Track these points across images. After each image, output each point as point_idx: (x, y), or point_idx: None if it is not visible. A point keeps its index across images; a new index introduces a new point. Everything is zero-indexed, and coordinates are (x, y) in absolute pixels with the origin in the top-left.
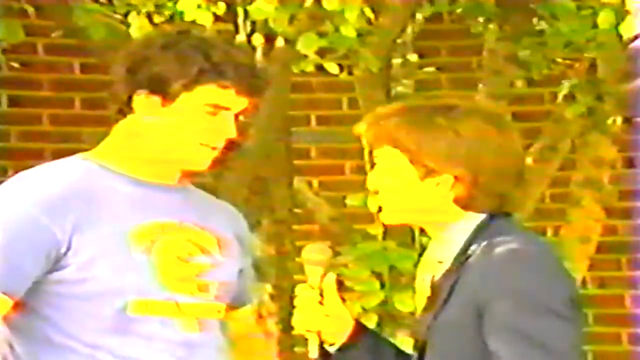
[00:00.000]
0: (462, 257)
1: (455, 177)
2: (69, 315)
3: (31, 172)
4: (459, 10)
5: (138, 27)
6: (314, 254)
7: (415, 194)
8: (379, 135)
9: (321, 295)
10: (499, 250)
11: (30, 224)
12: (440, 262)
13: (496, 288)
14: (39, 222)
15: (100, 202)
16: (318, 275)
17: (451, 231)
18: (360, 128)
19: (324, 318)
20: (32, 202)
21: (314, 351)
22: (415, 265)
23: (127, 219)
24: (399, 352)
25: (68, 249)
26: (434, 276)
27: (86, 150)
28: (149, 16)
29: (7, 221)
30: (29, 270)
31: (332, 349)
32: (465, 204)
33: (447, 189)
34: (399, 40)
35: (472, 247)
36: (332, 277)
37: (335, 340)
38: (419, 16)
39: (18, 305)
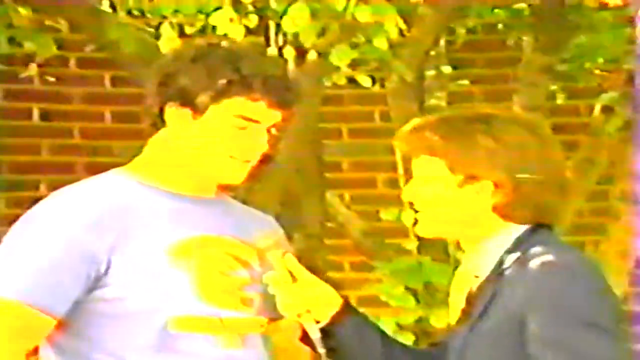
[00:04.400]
0: (500, 268)
1: (495, 184)
2: (111, 334)
3: (68, 190)
4: (495, 22)
5: (168, 39)
6: (262, 241)
7: (454, 203)
8: (417, 145)
9: (293, 277)
10: (542, 262)
11: (70, 243)
12: (477, 277)
13: (539, 300)
14: (79, 240)
15: (138, 219)
16: (278, 258)
17: (489, 243)
18: (397, 138)
19: (306, 295)
20: (72, 222)
21: (314, 331)
22: (451, 280)
23: (165, 234)
24: (385, 336)
25: (108, 267)
26: (470, 289)
27: (116, 163)
28: (181, 28)
29: (47, 240)
30: (70, 290)
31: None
32: (504, 213)
33: (486, 196)
34: (432, 52)
35: (511, 259)
36: (290, 255)
37: (322, 319)
38: (460, 30)
39: (61, 325)
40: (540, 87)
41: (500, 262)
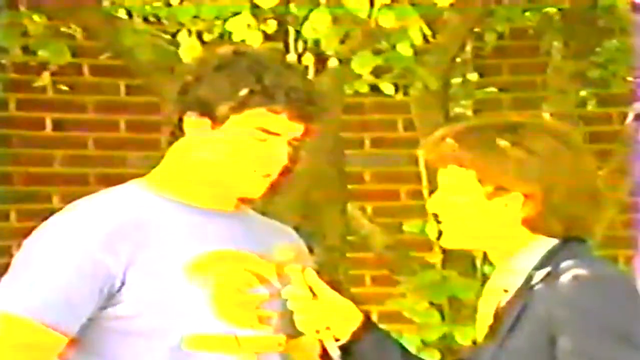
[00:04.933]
0: (530, 283)
1: (525, 196)
2: (124, 352)
3: (83, 203)
4: (525, 26)
5: (188, 47)
6: (281, 254)
7: (482, 214)
8: (444, 154)
9: (312, 292)
10: (573, 275)
11: (84, 258)
12: (506, 291)
13: (570, 315)
14: (93, 256)
15: (154, 233)
16: (297, 272)
17: (518, 256)
18: (423, 148)
19: (326, 311)
20: (86, 236)
21: (334, 349)
22: (478, 295)
23: (182, 249)
24: (407, 354)
25: (122, 284)
26: (498, 304)
27: (132, 175)
28: (199, 35)
29: (60, 256)
30: (83, 307)
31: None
32: (535, 225)
33: (516, 208)
34: (458, 59)
35: (541, 273)
36: (309, 269)
37: (341, 336)
38: (488, 35)
39: (73, 343)
40: (570, 94)
41: (530, 277)
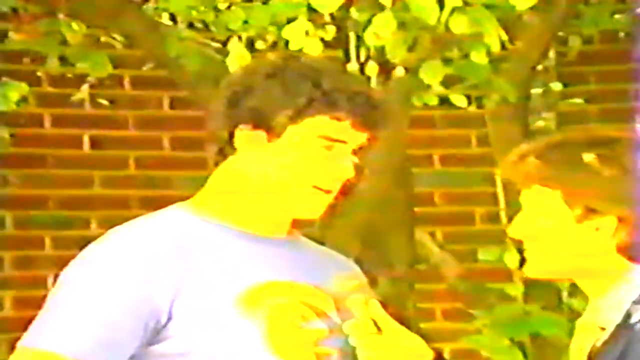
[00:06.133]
0: (630, 320)
1: (620, 219)
2: None
3: (124, 229)
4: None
5: (238, 56)
6: (341, 285)
7: (571, 240)
8: (527, 173)
9: (377, 327)
10: None
11: (126, 292)
12: (603, 329)
13: None
14: (136, 290)
15: (203, 262)
16: (361, 305)
17: (616, 289)
18: (501, 167)
19: (393, 348)
20: (128, 268)
21: None
22: (564, 332)
23: (233, 280)
24: None
25: (169, 318)
26: (594, 344)
27: (177, 197)
28: (250, 43)
29: (101, 290)
30: (127, 345)
31: None
32: (632, 254)
33: (609, 233)
34: (539, 66)
35: None
36: (375, 302)
37: None
38: (573, 40)
39: None
40: None
41: (630, 313)
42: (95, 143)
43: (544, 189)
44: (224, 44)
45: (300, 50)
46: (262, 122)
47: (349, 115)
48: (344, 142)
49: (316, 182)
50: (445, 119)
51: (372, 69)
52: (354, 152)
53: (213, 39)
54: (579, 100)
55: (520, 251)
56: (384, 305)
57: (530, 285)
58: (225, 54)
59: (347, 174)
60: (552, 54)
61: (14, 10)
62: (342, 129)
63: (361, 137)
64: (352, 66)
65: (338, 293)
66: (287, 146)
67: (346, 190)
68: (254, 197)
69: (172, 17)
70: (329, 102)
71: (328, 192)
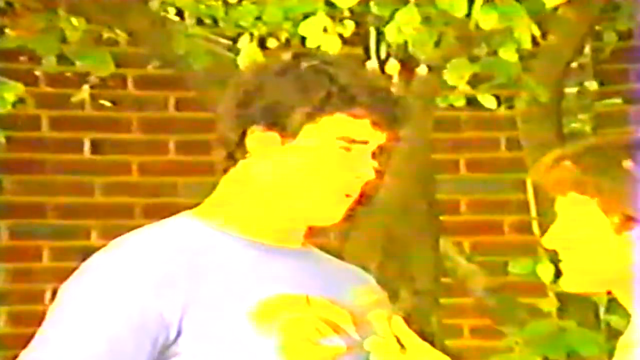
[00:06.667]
0: None
1: None
2: None
3: (127, 239)
4: None
5: (249, 54)
6: (360, 300)
7: (610, 251)
8: (562, 180)
9: (400, 344)
10: None
11: (133, 307)
12: None
13: None
14: (143, 304)
15: (213, 274)
16: (383, 320)
17: None
18: (534, 173)
19: None
20: (134, 280)
21: None
22: (602, 351)
23: (244, 293)
24: None
25: (178, 333)
26: None
27: (183, 205)
28: (262, 40)
29: (107, 303)
30: None
31: None
32: None
33: None
34: (573, 64)
35: None
36: (397, 317)
37: None
38: (610, 35)
39: None
40: None
41: None
42: (96, 147)
43: (580, 196)
44: (235, 41)
45: (317, 48)
46: (275, 122)
47: (368, 111)
48: (363, 142)
49: (334, 185)
50: (472, 120)
51: (393, 67)
52: (374, 156)
53: (222, 36)
54: (616, 100)
55: (554, 263)
56: (407, 320)
57: (565, 300)
58: (236, 52)
59: (367, 176)
60: (587, 50)
61: (10, 5)
62: (361, 127)
63: (381, 137)
64: (372, 64)
65: (355, 307)
66: (303, 148)
67: (365, 199)
68: (267, 203)
69: (179, 13)
70: (347, 98)
71: (347, 196)
